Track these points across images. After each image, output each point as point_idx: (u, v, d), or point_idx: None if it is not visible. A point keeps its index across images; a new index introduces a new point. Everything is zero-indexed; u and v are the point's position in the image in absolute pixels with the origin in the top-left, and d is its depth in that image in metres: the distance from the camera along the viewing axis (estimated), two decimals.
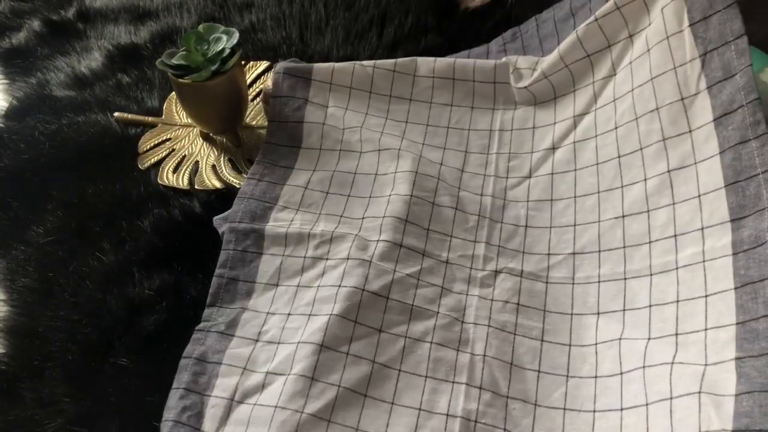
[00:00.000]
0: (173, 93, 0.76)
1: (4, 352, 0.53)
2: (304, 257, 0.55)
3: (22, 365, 0.52)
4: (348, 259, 0.53)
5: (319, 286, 0.52)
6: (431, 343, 0.49)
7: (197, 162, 0.69)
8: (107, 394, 0.49)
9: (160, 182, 0.67)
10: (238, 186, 0.65)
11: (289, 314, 0.51)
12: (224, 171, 0.68)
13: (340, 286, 0.51)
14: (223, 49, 0.63)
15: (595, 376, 0.45)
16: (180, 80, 0.63)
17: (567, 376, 0.46)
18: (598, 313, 0.47)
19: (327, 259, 0.54)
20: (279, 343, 0.50)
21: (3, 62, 0.87)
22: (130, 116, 0.74)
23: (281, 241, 0.56)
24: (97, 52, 0.86)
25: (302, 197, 0.59)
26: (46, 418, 0.48)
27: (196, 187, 0.66)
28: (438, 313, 0.50)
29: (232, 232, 0.57)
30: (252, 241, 0.57)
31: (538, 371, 0.47)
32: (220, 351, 0.50)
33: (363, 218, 0.56)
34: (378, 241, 0.54)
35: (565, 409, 0.45)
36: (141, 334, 0.53)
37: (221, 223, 0.60)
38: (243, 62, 0.79)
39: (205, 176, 0.67)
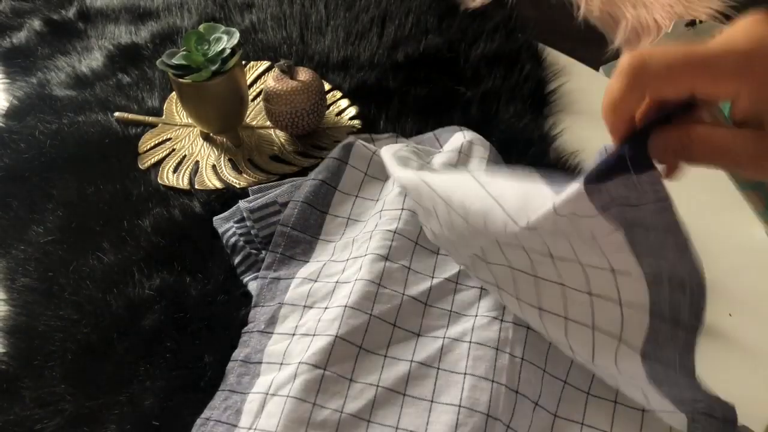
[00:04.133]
0: (173, 93, 0.76)
1: (4, 352, 0.53)
2: (347, 260, 0.55)
3: (22, 365, 0.52)
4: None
5: (356, 280, 0.52)
6: (470, 342, 0.48)
7: (197, 162, 0.69)
8: (107, 394, 0.49)
9: (160, 182, 0.67)
10: (238, 186, 0.65)
11: (326, 308, 0.51)
12: (224, 171, 0.68)
13: (380, 285, 0.51)
14: (223, 49, 0.63)
15: (615, 401, 0.46)
16: (180, 80, 0.63)
17: (588, 393, 0.47)
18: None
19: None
20: (314, 335, 0.49)
21: (3, 62, 0.87)
22: (130, 116, 0.74)
23: (330, 250, 0.57)
24: (98, 52, 0.86)
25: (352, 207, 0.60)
26: (45, 417, 0.48)
27: (196, 187, 0.66)
28: (476, 316, 0.50)
29: (282, 236, 0.57)
30: (302, 250, 0.57)
31: (565, 382, 0.47)
32: (260, 350, 0.50)
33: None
34: (416, 244, 0.54)
35: (582, 424, 0.45)
36: (141, 334, 0.53)
37: (221, 223, 0.60)
38: (243, 62, 0.79)
39: (205, 176, 0.67)
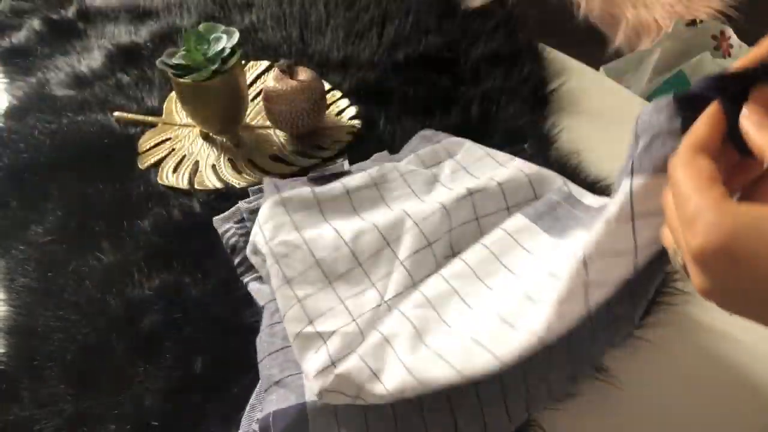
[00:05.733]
0: (173, 93, 0.76)
1: (3, 352, 0.53)
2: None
3: (21, 365, 0.52)
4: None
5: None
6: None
7: (197, 162, 0.69)
8: (107, 394, 0.49)
9: (160, 182, 0.67)
10: (238, 186, 0.65)
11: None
12: (224, 171, 0.68)
13: None
14: (223, 49, 0.63)
15: None
16: (180, 80, 0.63)
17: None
18: None
19: None
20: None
21: (3, 61, 0.87)
22: (130, 116, 0.74)
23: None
24: (97, 52, 0.86)
25: None
26: (45, 417, 0.48)
27: (196, 187, 0.66)
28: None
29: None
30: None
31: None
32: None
33: None
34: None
35: None
36: (141, 334, 0.53)
37: (221, 224, 0.60)
38: (243, 62, 0.79)
39: (205, 176, 0.67)
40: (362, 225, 0.53)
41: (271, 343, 0.49)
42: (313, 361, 0.44)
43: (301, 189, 0.57)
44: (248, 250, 0.55)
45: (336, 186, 0.57)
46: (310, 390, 0.45)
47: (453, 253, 0.52)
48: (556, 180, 0.54)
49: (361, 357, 0.44)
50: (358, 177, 0.58)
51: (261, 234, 0.53)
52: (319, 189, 0.57)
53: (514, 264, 0.48)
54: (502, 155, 0.59)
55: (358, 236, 0.52)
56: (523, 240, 0.49)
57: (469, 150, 0.61)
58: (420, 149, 0.62)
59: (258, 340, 0.50)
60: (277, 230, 0.53)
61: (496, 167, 0.58)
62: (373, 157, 0.65)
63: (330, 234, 0.53)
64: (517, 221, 0.50)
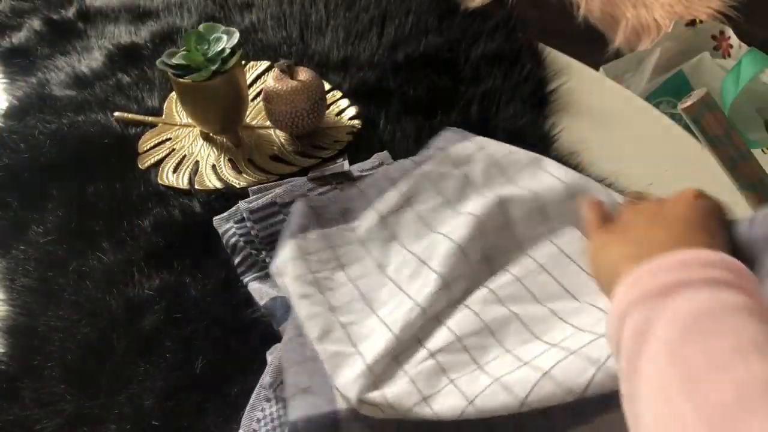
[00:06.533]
0: (173, 93, 0.76)
1: (4, 352, 0.53)
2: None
3: (22, 365, 0.52)
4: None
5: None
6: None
7: (197, 162, 0.69)
8: (107, 394, 0.49)
9: (160, 182, 0.67)
10: (238, 186, 0.65)
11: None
12: (224, 171, 0.68)
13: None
14: (223, 49, 0.63)
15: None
16: (180, 80, 0.63)
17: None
18: None
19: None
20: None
21: (3, 61, 0.87)
22: (130, 116, 0.74)
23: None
24: (98, 52, 0.86)
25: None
26: (45, 417, 0.48)
27: (196, 187, 0.66)
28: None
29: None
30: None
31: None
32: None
33: None
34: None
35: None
36: (141, 334, 0.53)
37: (221, 223, 0.60)
38: (243, 62, 0.79)
39: (205, 176, 0.67)
40: (403, 256, 0.53)
41: (300, 353, 0.48)
42: (348, 373, 0.44)
43: (344, 228, 0.57)
44: (271, 269, 0.54)
45: (372, 216, 0.56)
46: (344, 398, 0.44)
47: (486, 256, 0.51)
48: (598, 189, 0.53)
49: (412, 381, 0.43)
50: (389, 198, 0.57)
51: (304, 264, 0.53)
52: (357, 223, 0.57)
53: (573, 286, 0.47)
54: (532, 154, 0.58)
55: (399, 269, 0.52)
56: (580, 259, 0.48)
57: (499, 143, 0.60)
58: (449, 147, 0.60)
59: (283, 348, 0.49)
60: (322, 264, 0.53)
61: (527, 165, 0.57)
62: (373, 157, 0.65)
63: (371, 266, 0.53)
64: (572, 235, 0.50)
